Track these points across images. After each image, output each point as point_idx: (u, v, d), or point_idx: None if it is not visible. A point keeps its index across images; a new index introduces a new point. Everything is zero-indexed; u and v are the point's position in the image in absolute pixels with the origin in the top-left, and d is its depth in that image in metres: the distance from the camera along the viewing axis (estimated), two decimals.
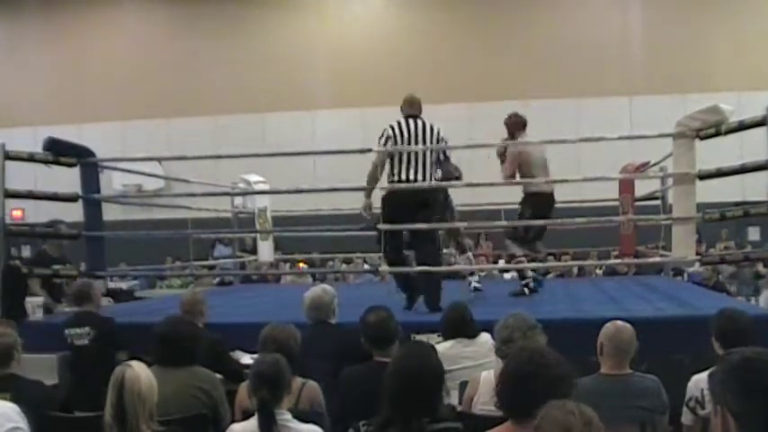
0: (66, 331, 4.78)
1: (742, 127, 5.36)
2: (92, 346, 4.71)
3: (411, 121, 5.82)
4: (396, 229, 5.73)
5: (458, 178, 6.43)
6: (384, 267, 6.28)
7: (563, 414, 1.83)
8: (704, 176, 5.52)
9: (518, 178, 6.42)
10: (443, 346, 4.15)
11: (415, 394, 2.54)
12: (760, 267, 10.63)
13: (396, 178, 5.74)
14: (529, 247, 6.72)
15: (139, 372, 2.76)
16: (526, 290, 6.47)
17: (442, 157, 6.02)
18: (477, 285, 6.76)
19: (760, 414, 1.65)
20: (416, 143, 5.74)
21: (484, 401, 3.33)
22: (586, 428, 1.80)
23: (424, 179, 5.72)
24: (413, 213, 5.65)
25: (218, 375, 3.72)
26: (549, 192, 6.48)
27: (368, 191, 5.88)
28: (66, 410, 3.94)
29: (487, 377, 3.40)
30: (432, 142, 5.78)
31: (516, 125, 6.53)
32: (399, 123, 5.83)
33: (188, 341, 3.54)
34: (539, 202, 6.36)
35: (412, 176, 5.70)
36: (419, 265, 5.86)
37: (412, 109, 5.94)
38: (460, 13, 15.05)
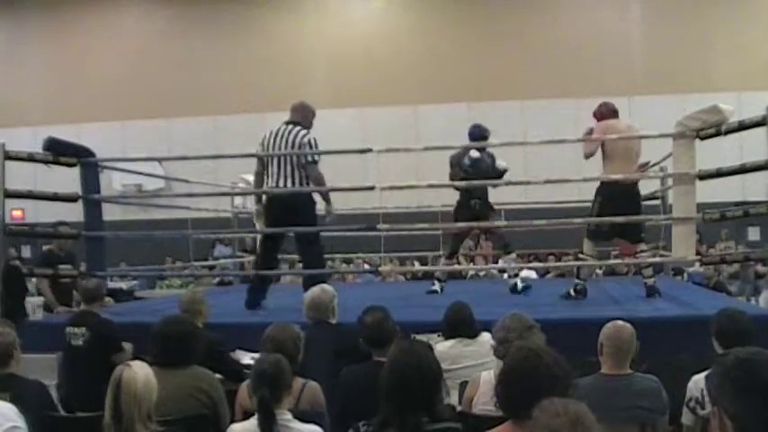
0: (67, 329, 4.79)
1: (742, 127, 5.36)
2: (85, 348, 4.66)
3: (282, 127, 5.99)
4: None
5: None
6: (385, 268, 6.31)
7: (549, 417, 1.83)
8: (704, 176, 5.53)
9: (602, 164, 6.11)
10: (444, 346, 4.16)
11: (412, 393, 2.54)
12: (759, 267, 10.63)
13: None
14: (603, 243, 6.42)
15: (137, 372, 2.76)
16: (572, 291, 6.14)
17: (304, 161, 5.95)
18: (524, 284, 6.69)
19: (756, 415, 1.64)
20: (269, 149, 5.92)
21: (484, 402, 3.33)
22: (573, 428, 1.79)
23: (285, 185, 5.89)
24: (283, 219, 5.89)
25: (218, 375, 3.72)
26: (626, 182, 6.01)
27: (255, 200, 6.28)
28: (68, 410, 3.95)
29: (487, 377, 3.40)
30: (284, 147, 5.88)
31: (602, 114, 6.24)
32: (271, 130, 6.03)
33: (187, 341, 3.52)
34: (610, 193, 5.99)
35: (272, 183, 5.91)
36: (306, 268, 6.17)
37: (290, 115, 6.15)
38: (460, 13, 15.05)
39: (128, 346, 4.71)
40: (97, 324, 4.77)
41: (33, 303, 5.94)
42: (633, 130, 6.32)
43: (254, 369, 2.97)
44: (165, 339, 3.47)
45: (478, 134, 6.79)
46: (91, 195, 6.51)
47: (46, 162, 6.21)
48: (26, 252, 13.66)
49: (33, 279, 7.14)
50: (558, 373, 2.27)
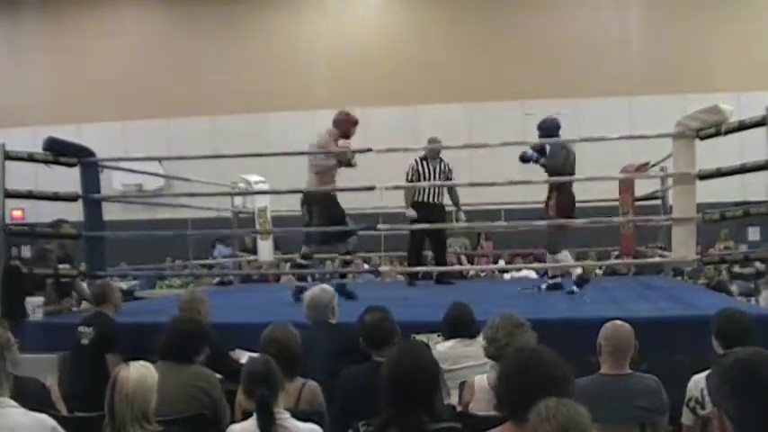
0: (79, 328, 4.86)
1: (742, 127, 5.36)
2: (89, 347, 4.74)
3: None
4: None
5: None
6: (385, 268, 6.31)
7: (539, 422, 1.84)
8: (704, 176, 5.53)
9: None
10: (445, 346, 4.15)
11: (411, 393, 2.54)
12: (758, 265, 10.62)
13: None
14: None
15: (131, 373, 2.76)
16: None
17: None
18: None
19: (755, 415, 1.64)
20: None
21: (479, 409, 3.30)
22: None
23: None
24: None
25: (218, 375, 3.72)
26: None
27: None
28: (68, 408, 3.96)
29: (482, 383, 3.39)
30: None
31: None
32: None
33: (193, 337, 3.56)
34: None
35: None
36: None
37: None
38: (460, 13, 15.05)
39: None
40: (101, 325, 4.84)
41: (33, 303, 5.92)
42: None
43: (245, 372, 2.98)
44: (173, 334, 3.53)
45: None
46: (91, 195, 6.51)
47: (46, 162, 6.20)
48: (26, 252, 13.65)
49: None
50: (557, 374, 2.27)
